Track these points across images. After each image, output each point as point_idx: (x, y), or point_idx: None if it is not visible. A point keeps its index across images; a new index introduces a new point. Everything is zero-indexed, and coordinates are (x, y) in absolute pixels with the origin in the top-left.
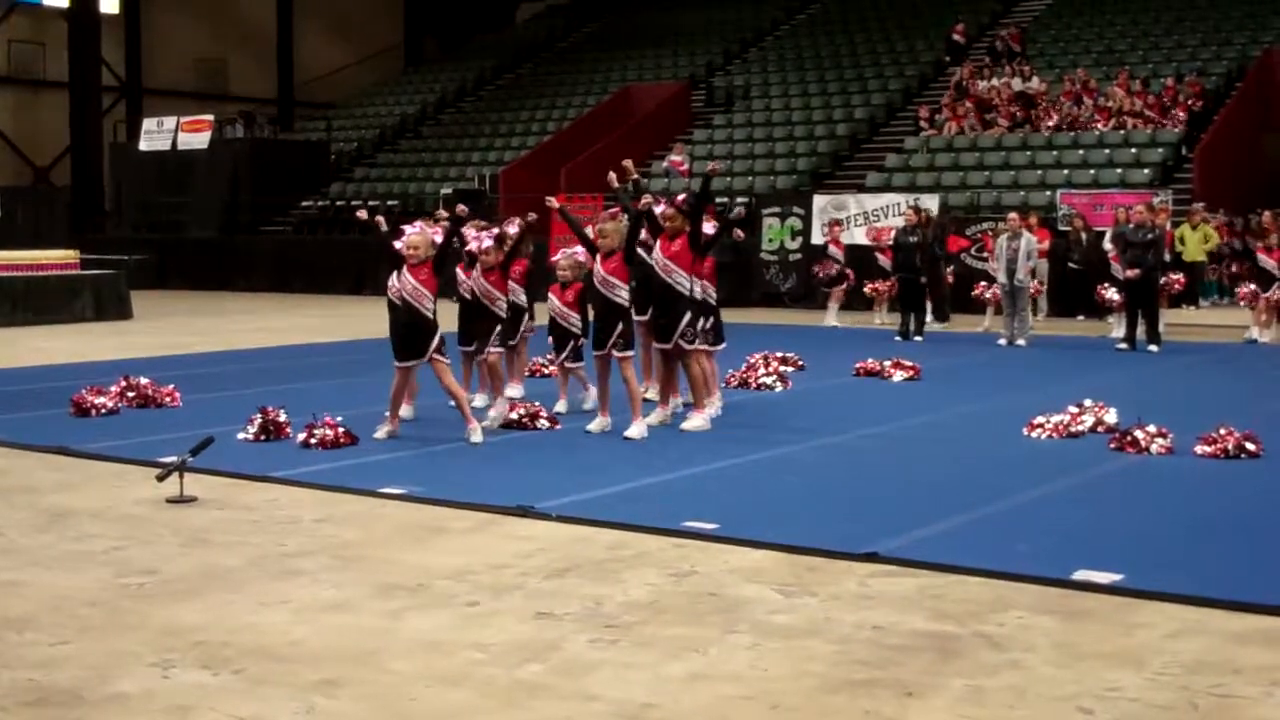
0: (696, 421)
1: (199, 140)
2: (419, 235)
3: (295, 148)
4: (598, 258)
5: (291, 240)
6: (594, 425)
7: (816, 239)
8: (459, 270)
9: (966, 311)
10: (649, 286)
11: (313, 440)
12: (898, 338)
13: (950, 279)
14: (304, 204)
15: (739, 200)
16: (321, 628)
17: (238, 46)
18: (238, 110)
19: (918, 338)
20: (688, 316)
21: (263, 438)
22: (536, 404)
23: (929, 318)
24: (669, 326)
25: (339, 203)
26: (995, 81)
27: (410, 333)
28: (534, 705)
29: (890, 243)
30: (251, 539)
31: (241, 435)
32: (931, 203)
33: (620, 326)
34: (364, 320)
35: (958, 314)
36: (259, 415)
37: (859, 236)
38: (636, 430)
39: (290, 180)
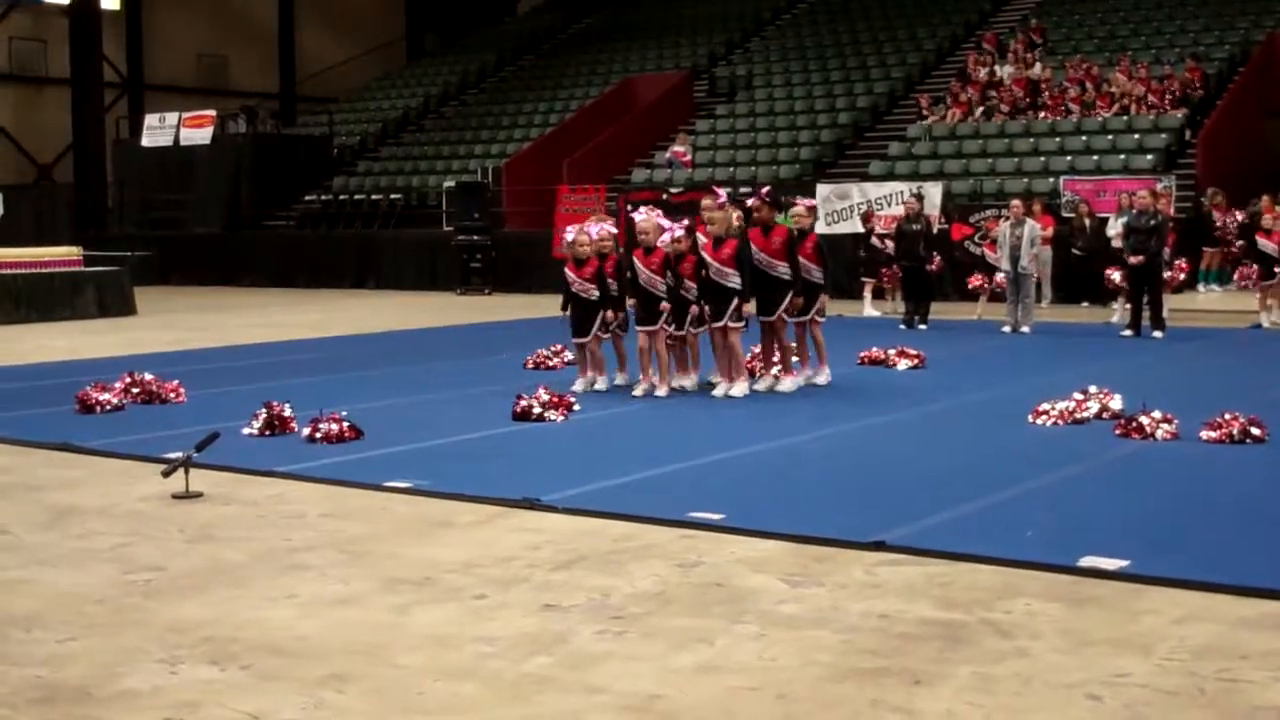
0: (786, 384)
1: (201, 136)
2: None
3: (297, 142)
4: (705, 247)
5: (294, 235)
6: (719, 390)
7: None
8: (637, 260)
9: (972, 299)
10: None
11: (318, 435)
12: (902, 326)
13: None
14: (307, 199)
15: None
16: (328, 622)
17: (239, 41)
18: (240, 105)
19: (922, 326)
20: (790, 295)
21: (268, 433)
22: (549, 394)
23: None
24: (774, 303)
25: (342, 197)
26: (1000, 70)
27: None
28: (541, 698)
29: (892, 231)
30: (257, 534)
31: (246, 430)
32: (935, 190)
33: (735, 302)
34: (367, 315)
35: (963, 302)
36: (264, 410)
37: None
38: (739, 389)
39: (293, 175)
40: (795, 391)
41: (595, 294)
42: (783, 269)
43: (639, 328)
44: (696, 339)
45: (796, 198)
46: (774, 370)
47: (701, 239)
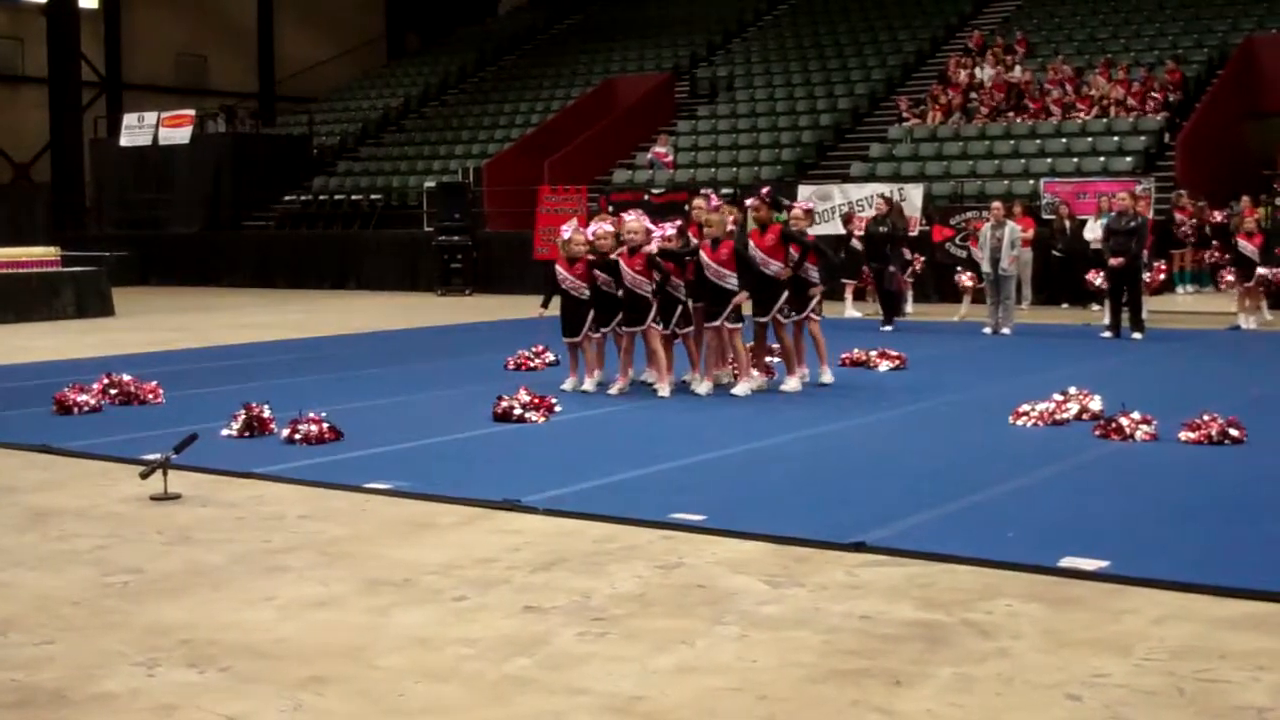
0: (791, 383)
1: (180, 135)
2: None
3: (277, 142)
4: (703, 248)
5: (274, 235)
6: (701, 388)
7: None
8: (621, 261)
9: (953, 300)
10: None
11: (297, 436)
12: (887, 328)
13: (918, 264)
14: (286, 199)
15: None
16: (308, 624)
17: (218, 41)
18: (219, 105)
19: (885, 328)
20: (785, 295)
21: (247, 434)
22: (532, 395)
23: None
24: (769, 302)
25: (322, 197)
26: (981, 73)
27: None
28: (522, 699)
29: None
30: (237, 536)
31: (225, 432)
32: (916, 192)
33: (733, 302)
34: (347, 315)
35: (944, 304)
36: (243, 411)
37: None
38: (742, 389)
39: (272, 175)
40: (764, 392)
41: (586, 293)
42: (776, 267)
43: (623, 328)
44: (688, 338)
45: (780, 198)
46: (730, 369)
47: (694, 240)
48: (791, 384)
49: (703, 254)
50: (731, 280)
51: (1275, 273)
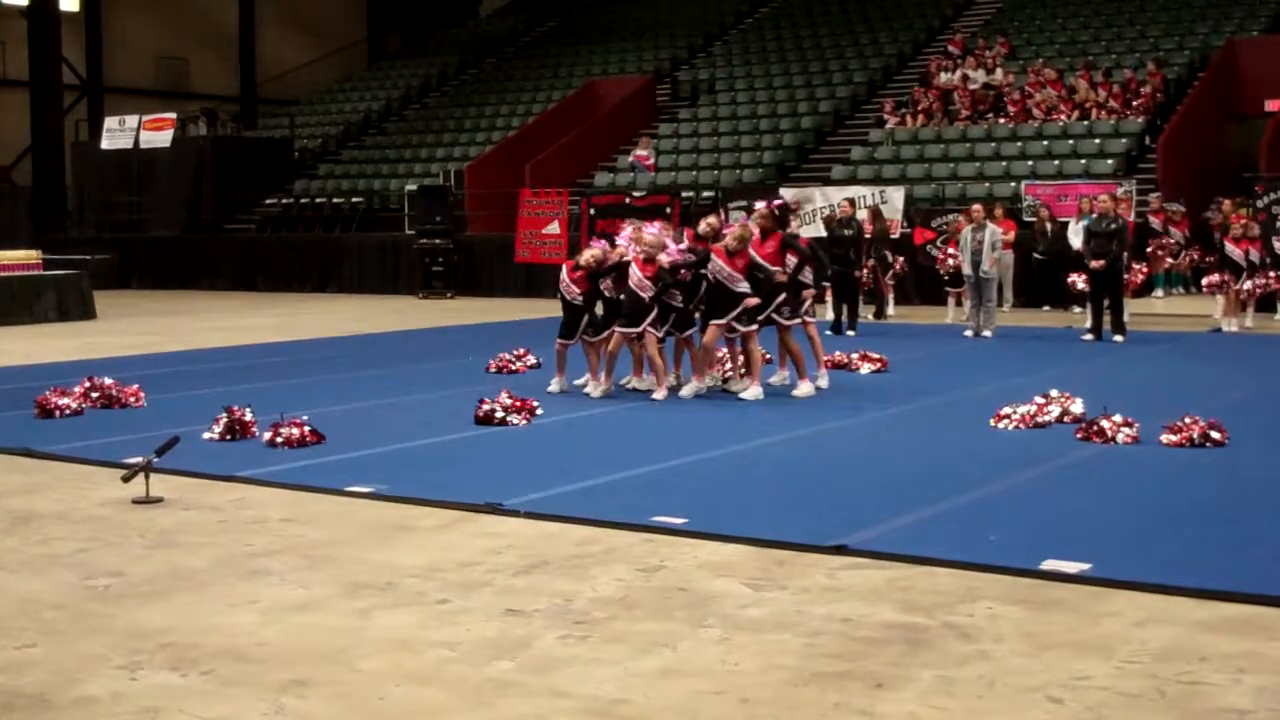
0: (803, 388)
1: (161, 139)
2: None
3: (259, 145)
4: (716, 253)
5: (255, 238)
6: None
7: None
8: (634, 266)
9: (934, 302)
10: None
11: (279, 439)
12: (829, 331)
13: (900, 268)
14: (268, 202)
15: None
16: (290, 628)
17: (200, 44)
18: (200, 108)
19: (850, 332)
20: (782, 296)
21: (228, 437)
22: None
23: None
24: (766, 305)
25: (303, 200)
26: (960, 73)
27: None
28: (504, 703)
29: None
30: (218, 539)
31: (207, 435)
32: (897, 194)
33: (738, 309)
34: (329, 318)
35: (925, 306)
36: (224, 415)
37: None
38: (753, 393)
39: (254, 178)
40: (760, 398)
41: (580, 299)
42: (775, 275)
43: (619, 328)
44: (690, 341)
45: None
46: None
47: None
48: (804, 389)
49: (716, 259)
50: (742, 285)
51: (1259, 284)
